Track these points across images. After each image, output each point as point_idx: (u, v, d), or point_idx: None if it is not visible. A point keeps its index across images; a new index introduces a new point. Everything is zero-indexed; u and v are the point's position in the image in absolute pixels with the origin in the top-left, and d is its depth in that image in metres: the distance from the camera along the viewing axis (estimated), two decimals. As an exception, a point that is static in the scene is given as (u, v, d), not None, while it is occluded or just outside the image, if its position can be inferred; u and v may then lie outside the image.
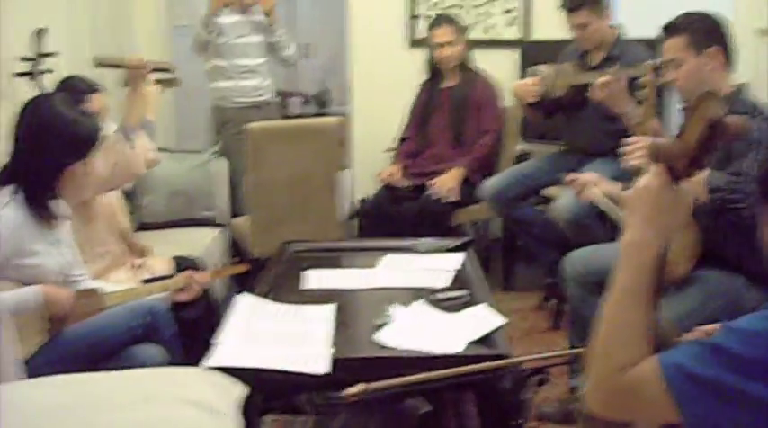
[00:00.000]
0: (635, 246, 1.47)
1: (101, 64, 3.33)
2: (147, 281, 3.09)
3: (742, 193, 2.54)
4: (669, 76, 2.92)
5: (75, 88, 3.29)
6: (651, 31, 3.15)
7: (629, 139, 2.94)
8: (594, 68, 4.04)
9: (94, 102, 3.30)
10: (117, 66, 3.39)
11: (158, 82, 3.47)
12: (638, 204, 1.49)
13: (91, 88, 3.35)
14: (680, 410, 1.31)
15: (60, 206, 2.70)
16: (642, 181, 1.50)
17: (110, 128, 3.41)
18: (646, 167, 2.77)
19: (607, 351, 1.43)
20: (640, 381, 1.36)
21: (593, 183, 3.03)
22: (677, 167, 1.48)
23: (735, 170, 2.65)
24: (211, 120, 5.31)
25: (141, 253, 3.49)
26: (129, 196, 3.91)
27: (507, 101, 4.72)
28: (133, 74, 3.29)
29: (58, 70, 3.86)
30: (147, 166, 3.36)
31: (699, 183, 2.67)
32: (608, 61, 4.03)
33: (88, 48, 4.72)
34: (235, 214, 4.86)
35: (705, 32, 2.84)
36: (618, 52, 4.05)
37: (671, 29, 2.89)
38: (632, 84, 3.81)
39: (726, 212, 2.64)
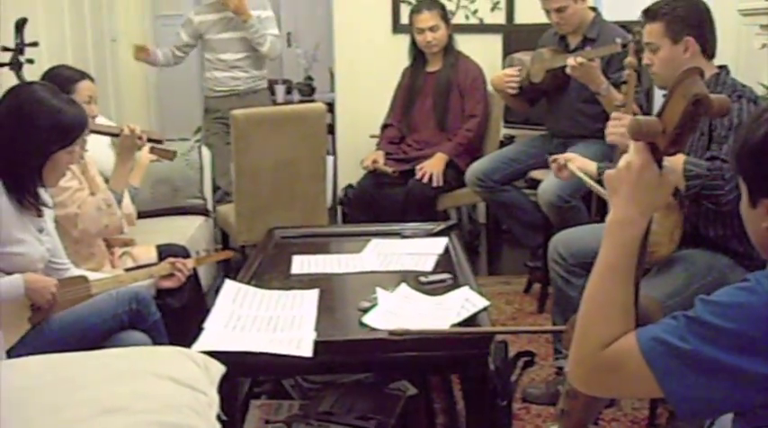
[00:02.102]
0: (618, 224, 1.49)
1: (94, 131, 3.30)
2: (130, 270, 3.09)
3: (721, 179, 2.56)
4: (646, 59, 2.94)
5: (62, 76, 3.27)
6: (630, 14, 3.17)
7: (613, 115, 2.97)
8: (572, 51, 4.06)
9: (83, 90, 3.28)
10: (111, 135, 3.36)
11: (152, 151, 3.47)
12: (620, 183, 1.51)
13: (79, 76, 3.33)
14: (660, 384, 1.33)
15: (44, 194, 2.70)
16: (624, 160, 1.51)
17: (98, 117, 3.43)
18: (623, 146, 2.82)
19: (589, 327, 1.45)
20: (620, 357, 1.38)
21: (570, 160, 3.05)
22: (659, 145, 1.49)
23: (714, 154, 2.67)
24: (203, 109, 5.43)
25: (124, 245, 3.49)
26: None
27: (491, 86, 4.73)
28: (127, 143, 3.29)
29: (39, 60, 3.84)
30: (127, 223, 3.37)
31: (677, 171, 2.69)
32: (585, 43, 4.06)
33: (69, 38, 4.70)
34: (220, 202, 4.89)
35: (683, 21, 2.83)
36: (595, 34, 4.07)
37: (650, 14, 2.90)
38: (609, 64, 3.85)
39: (705, 199, 2.66)
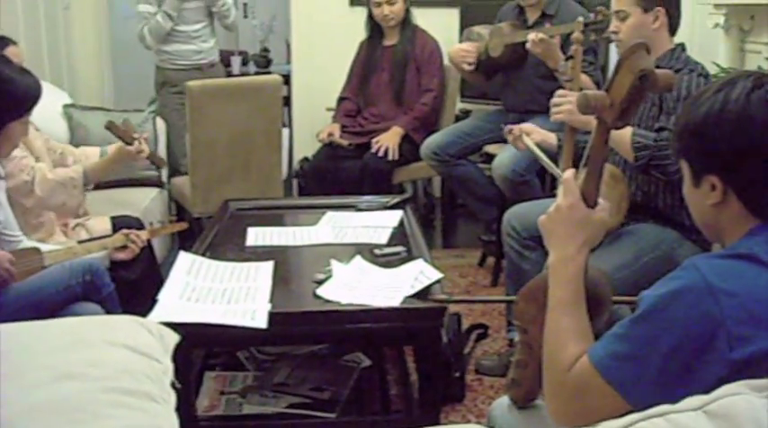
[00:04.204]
0: (560, 263, 1.56)
1: (111, 131, 3.24)
2: (84, 241, 3.07)
3: (669, 150, 2.60)
4: (613, 27, 2.95)
5: None
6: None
7: (558, 93, 3.00)
8: (531, 27, 4.08)
9: (11, 57, 3.22)
10: (123, 140, 3.28)
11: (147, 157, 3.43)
12: (554, 225, 1.58)
13: (4, 42, 3.27)
14: (623, 396, 1.36)
15: (-3, 165, 2.68)
16: (553, 205, 1.59)
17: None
18: (571, 122, 2.85)
19: (551, 357, 1.51)
20: (582, 380, 1.42)
21: (527, 132, 3.08)
22: (606, 119, 1.52)
23: (662, 125, 2.72)
24: (154, 81, 5.25)
25: (77, 216, 3.46)
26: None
27: (447, 60, 4.74)
28: (130, 155, 3.26)
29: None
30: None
31: (626, 147, 2.73)
32: (544, 18, 4.08)
33: (20, 6, 4.63)
34: (175, 174, 4.85)
35: None
36: (554, 10, 4.09)
37: None
38: (567, 42, 3.88)
39: (652, 169, 2.71)
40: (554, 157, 3.00)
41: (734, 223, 1.45)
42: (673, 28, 2.92)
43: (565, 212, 1.56)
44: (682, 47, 2.92)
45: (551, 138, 3.07)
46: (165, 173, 4.69)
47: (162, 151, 4.70)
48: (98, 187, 4.26)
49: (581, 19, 3.46)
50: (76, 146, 3.80)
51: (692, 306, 1.31)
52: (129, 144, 3.24)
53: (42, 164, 3.15)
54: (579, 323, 1.51)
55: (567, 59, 3.32)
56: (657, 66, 2.73)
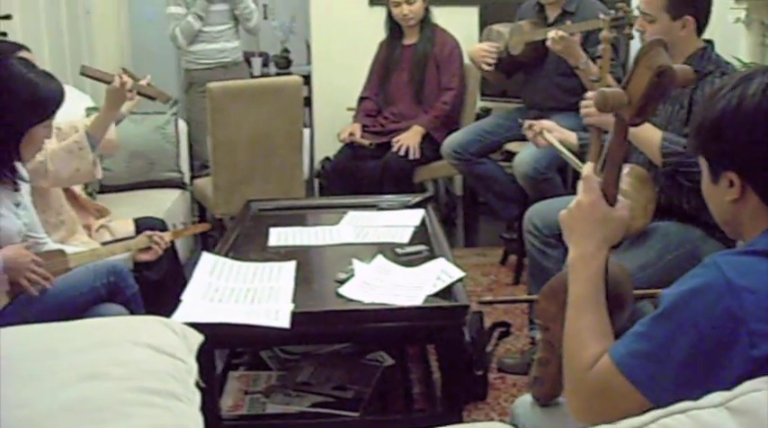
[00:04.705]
0: (580, 260, 1.56)
1: (86, 74, 3.24)
2: (107, 243, 3.09)
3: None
4: (639, 26, 2.90)
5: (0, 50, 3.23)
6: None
7: (587, 95, 2.97)
8: (551, 24, 4.07)
9: None
10: (102, 81, 3.29)
11: (148, 96, 3.42)
12: (574, 222, 1.58)
13: (16, 47, 3.29)
14: (645, 394, 1.36)
15: (21, 168, 2.70)
16: (574, 200, 1.58)
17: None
18: (600, 124, 2.82)
19: (572, 355, 1.50)
20: (603, 378, 1.42)
21: (548, 130, 3.06)
22: (624, 116, 1.52)
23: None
24: (182, 82, 5.36)
25: (100, 214, 3.48)
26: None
27: (467, 58, 4.74)
28: (117, 95, 3.23)
29: (12, 34, 3.82)
30: (104, 147, 3.33)
31: (654, 151, 2.70)
32: (564, 16, 4.07)
33: (43, 10, 4.66)
34: (198, 175, 4.89)
35: (685, 1, 2.80)
36: (574, 7, 4.08)
37: None
38: (588, 39, 3.86)
39: (679, 175, 2.68)
40: (577, 156, 3.00)
41: (753, 219, 1.44)
42: (700, 30, 2.85)
43: (586, 209, 1.55)
44: (711, 46, 2.86)
45: (572, 137, 3.06)
46: (187, 174, 4.72)
47: (184, 153, 4.73)
48: (121, 189, 4.33)
49: (602, 16, 3.43)
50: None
51: (713, 303, 1.30)
52: (110, 83, 3.22)
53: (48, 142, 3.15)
54: (600, 320, 1.51)
55: (595, 59, 3.29)
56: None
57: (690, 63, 2.76)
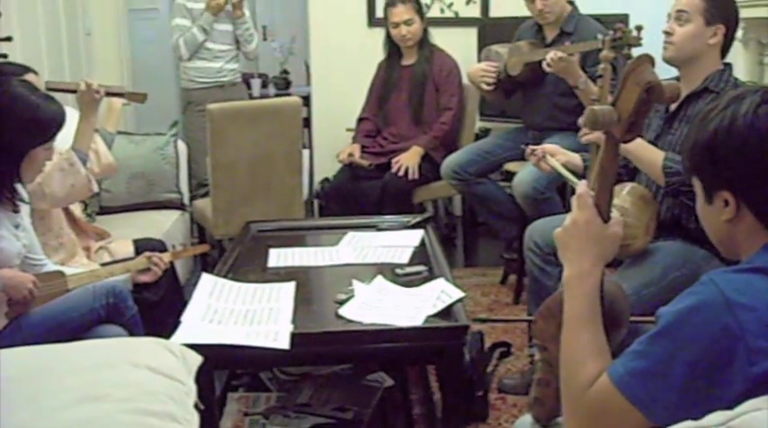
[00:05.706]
0: (576, 278, 1.55)
1: (52, 88, 3.26)
2: (107, 264, 3.09)
3: None
4: (667, 27, 2.85)
5: (6, 72, 3.24)
6: (603, 8, 3.18)
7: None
8: (550, 45, 4.08)
9: None
10: (69, 91, 3.31)
11: (126, 96, 3.45)
12: (568, 240, 1.58)
13: (23, 70, 3.30)
14: (645, 414, 1.35)
15: (21, 190, 2.70)
16: (569, 218, 1.58)
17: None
18: (599, 141, 2.82)
19: (569, 374, 1.50)
20: (602, 398, 1.41)
21: (552, 153, 3.07)
22: (615, 134, 1.52)
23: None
24: (180, 101, 5.39)
25: (99, 237, 3.48)
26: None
27: (466, 79, 4.75)
28: (86, 99, 3.25)
29: (13, 55, 3.83)
30: (104, 171, 3.35)
31: (657, 171, 2.70)
32: (563, 36, 4.08)
33: (43, 32, 4.68)
34: (196, 194, 4.90)
35: (725, 7, 2.81)
36: (572, 28, 4.09)
37: None
38: (586, 59, 3.87)
39: (683, 195, 2.69)
40: (581, 178, 2.99)
41: (749, 238, 1.44)
42: (725, 49, 2.85)
43: (581, 226, 1.55)
44: (730, 68, 2.85)
45: (576, 159, 3.06)
46: (186, 195, 4.72)
47: (184, 174, 4.73)
48: (120, 210, 4.33)
49: (600, 36, 3.44)
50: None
51: (710, 321, 1.30)
52: (75, 91, 3.25)
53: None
54: (596, 339, 1.50)
55: (595, 79, 3.30)
56: (706, 88, 2.74)
57: (709, 83, 2.77)
